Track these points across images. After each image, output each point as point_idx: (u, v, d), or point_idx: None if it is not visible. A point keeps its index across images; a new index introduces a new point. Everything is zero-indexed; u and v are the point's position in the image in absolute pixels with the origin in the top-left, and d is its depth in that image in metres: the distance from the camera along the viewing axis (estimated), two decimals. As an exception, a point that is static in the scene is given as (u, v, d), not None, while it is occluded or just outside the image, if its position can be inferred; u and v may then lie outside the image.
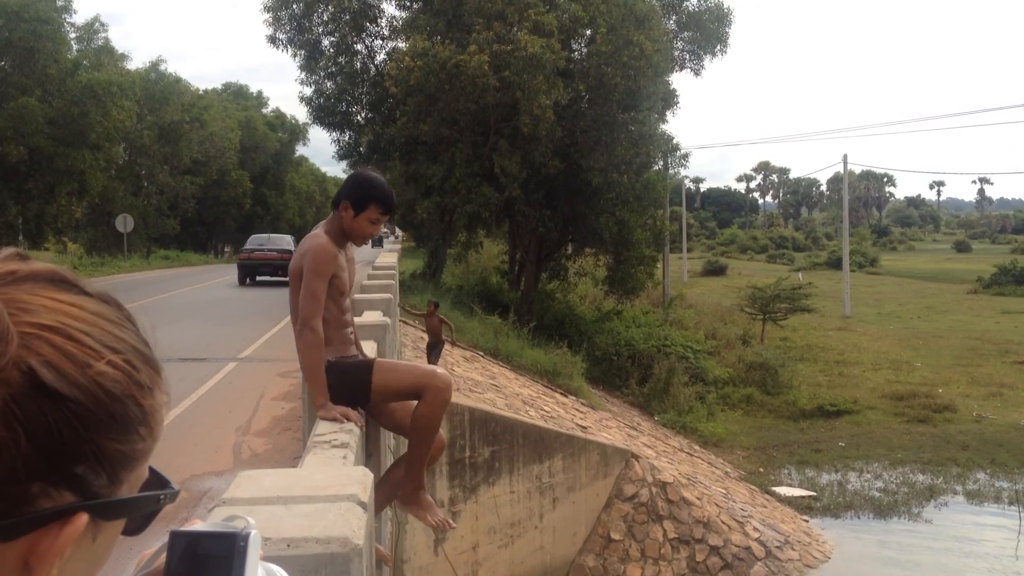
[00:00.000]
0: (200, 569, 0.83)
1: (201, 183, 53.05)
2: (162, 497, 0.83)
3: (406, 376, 4.45)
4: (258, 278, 26.97)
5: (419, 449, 4.47)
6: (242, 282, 26.90)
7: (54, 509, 0.70)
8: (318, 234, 4.40)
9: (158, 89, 47.24)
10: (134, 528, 0.84)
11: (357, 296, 10.08)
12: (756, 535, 13.00)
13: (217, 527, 0.85)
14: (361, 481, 2.14)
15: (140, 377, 0.77)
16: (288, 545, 1.76)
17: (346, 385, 4.35)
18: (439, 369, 4.52)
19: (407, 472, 4.51)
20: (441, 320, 12.10)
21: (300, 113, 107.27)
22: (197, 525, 0.86)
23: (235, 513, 0.88)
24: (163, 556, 0.85)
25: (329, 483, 2.13)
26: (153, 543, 0.92)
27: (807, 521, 15.13)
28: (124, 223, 37.28)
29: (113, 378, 0.73)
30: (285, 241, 28.44)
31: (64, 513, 0.71)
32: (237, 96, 69.07)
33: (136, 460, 0.77)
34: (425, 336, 12.90)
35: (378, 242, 56.17)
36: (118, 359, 0.75)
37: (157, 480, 0.83)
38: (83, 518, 0.72)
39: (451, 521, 5.04)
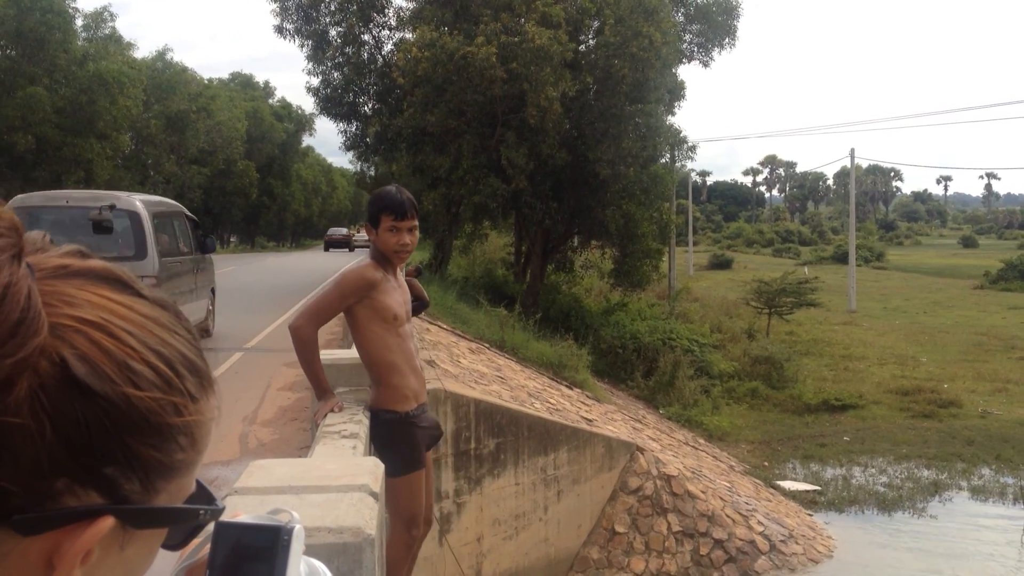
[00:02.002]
0: (244, 561, 0.83)
1: (207, 173, 53.11)
2: (202, 512, 0.81)
3: (410, 504, 4.44)
4: (331, 249, 51.95)
5: None
6: (326, 249, 52.65)
7: (79, 509, 0.68)
8: (363, 259, 4.42)
9: (165, 78, 47.27)
10: (175, 543, 0.83)
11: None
12: (760, 529, 13.00)
13: (262, 520, 0.85)
14: (372, 471, 2.15)
15: (184, 385, 0.74)
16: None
17: (386, 449, 4.34)
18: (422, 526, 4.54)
19: None
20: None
21: (307, 103, 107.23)
22: (241, 517, 0.86)
23: (279, 507, 0.88)
24: (207, 547, 0.85)
25: (340, 473, 2.14)
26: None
27: (811, 515, 15.13)
28: (130, 212, 37.19)
29: (152, 381, 0.71)
30: (344, 231, 55.11)
31: (90, 514, 0.69)
32: (244, 86, 69.07)
33: (175, 471, 0.75)
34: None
35: None
36: (160, 363, 0.72)
37: (203, 495, 0.81)
38: (108, 521, 0.70)
39: None
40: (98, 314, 0.71)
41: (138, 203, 12.26)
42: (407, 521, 4.38)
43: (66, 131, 35.72)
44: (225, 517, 0.86)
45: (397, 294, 4.46)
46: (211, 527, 0.85)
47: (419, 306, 4.94)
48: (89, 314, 0.70)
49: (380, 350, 4.35)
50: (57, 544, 0.69)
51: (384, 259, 4.42)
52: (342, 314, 4.52)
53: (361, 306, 4.33)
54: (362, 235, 55.07)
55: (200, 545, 0.90)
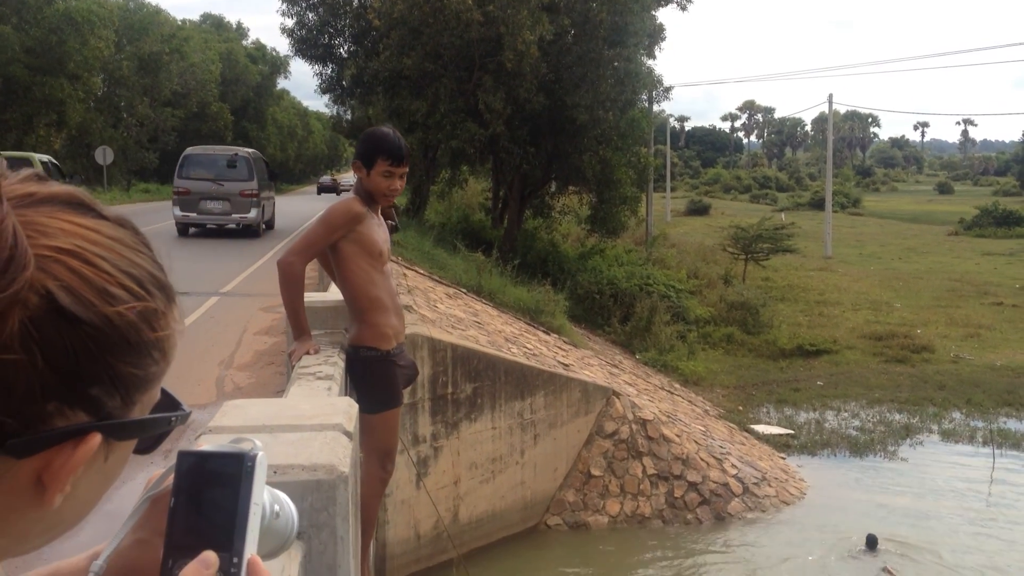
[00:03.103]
0: (207, 488, 0.84)
1: (181, 116, 52.49)
2: (173, 419, 0.85)
3: (390, 439, 4.47)
4: (322, 193, 55.52)
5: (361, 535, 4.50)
6: (319, 193, 56.67)
7: (69, 428, 0.72)
8: (347, 194, 4.40)
9: (137, 19, 46.51)
10: (145, 448, 0.87)
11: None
12: (734, 472, 13.17)
13: (224, 447, 0.86)
14: (346, 411, 2.14)
15: (155, 303, 0.78)
16: (275, 472, 1.77)
17: (365, 386, 4.35)
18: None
19: None
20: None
21: (281, 45, 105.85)
22: (204, 446, 0.87)
23: (242, 436, 0.89)
24: (171, 477, 0.86)
25: (314, 413, 2.14)
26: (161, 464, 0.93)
27: (784, 459, 15.32)
28: (104, 155, 36.81)
29: (127, 302, 0.74)
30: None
31: (79, 432, 0.73)
32: (216, 27, 68.01)
33: (149, 383, 0.79)
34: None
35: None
36: (132, 284, 0.76)
37: (169, 402, 0.86)
38: (96, 438, 0.74)
39: None
40: (72, 242, 0.73)
41: (248, 151, 25.57)
42: (382, 456, 4.42)
43: (36, 71, 35.12)
44: (189, 447, 0.87)
45: (381, 231, 4.47)
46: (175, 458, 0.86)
47: (391, 227, 4.93)
48: (64, 243, 0.73)
49: (365, 284, 4.35)
50: (47, 463, 0.73)
51: (369, 198, 4.40)
52: (315, 260, 4.52)
53: (347, 240, 4.32)
54: (346, 179, 56.52)
55: (164, 475, 0.91)
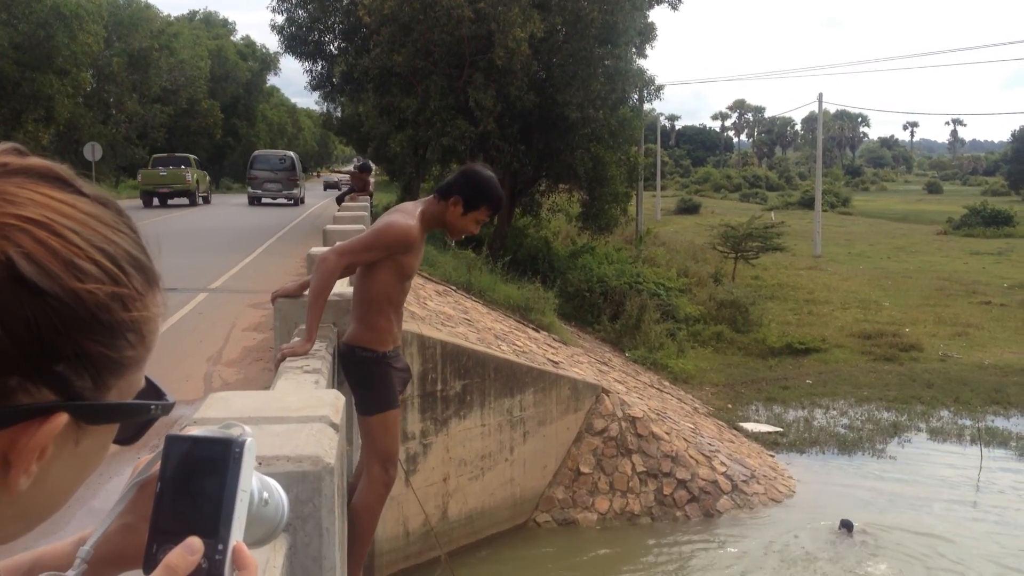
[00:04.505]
0: (195, 473, 0.82)
1: (171, 112, 52.29)
2: (153, 407, 0.82)
3: (389, 443, 4.44)
4: (328, 189, 53.16)
5: (360, 541, 4.49)
6: (325, 190, 54.41)
7: (33, 406, 0.70)
8: (410, 213, 4.33)
9: (126, 15, 46.30)
10: (127, 438, 0.85)
11: (330, 227, 10.03)
12: (723, 469, 13.19)
13: (213, 432, 0.85)
14: (333, 403, 2.14)
15: (130, 282, 0.75)
16: (260, 464, 1.75)
17: (362, 388, 4.32)
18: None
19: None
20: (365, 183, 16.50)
21: (271, 42, 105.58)
22: (193, 431, 0.86)
23: (231, 422, 0.88)
24: (159, 464, 0.84)
25: (301, 405, 2.13)
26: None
27: (773, 456, 15.35)
28: (92, 151, 36.65)
29: (98, 279, 0.72)
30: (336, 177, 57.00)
31: (44, 411, 0.70)
32: (206, 23, 67.75)
33: (125, 367, 0.76)
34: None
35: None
36: (105, 261, 0.73)
37: (153, 391, 0.83)
38: (62, 417, 0.71)
39: None
40: (41, 212, 0.71)
41: (291, 153, 39.17)
42: (384, 460, 4.40)
43: (24, 67, 34.95)
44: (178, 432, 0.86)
45: (421, 251, 4.47)
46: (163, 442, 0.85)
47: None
48: (32, 213, 0.71)
49: (381, 298, 4.34)
50: (12, 441, 0.70)
51: (434, 224, 4.39)
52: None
53: (388, 260, 4.29)
54: (335, 177, 58.29)
55: (152, 461, 0.90)
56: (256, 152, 39.87)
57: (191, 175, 34.50)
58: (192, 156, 37.32)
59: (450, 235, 4.51)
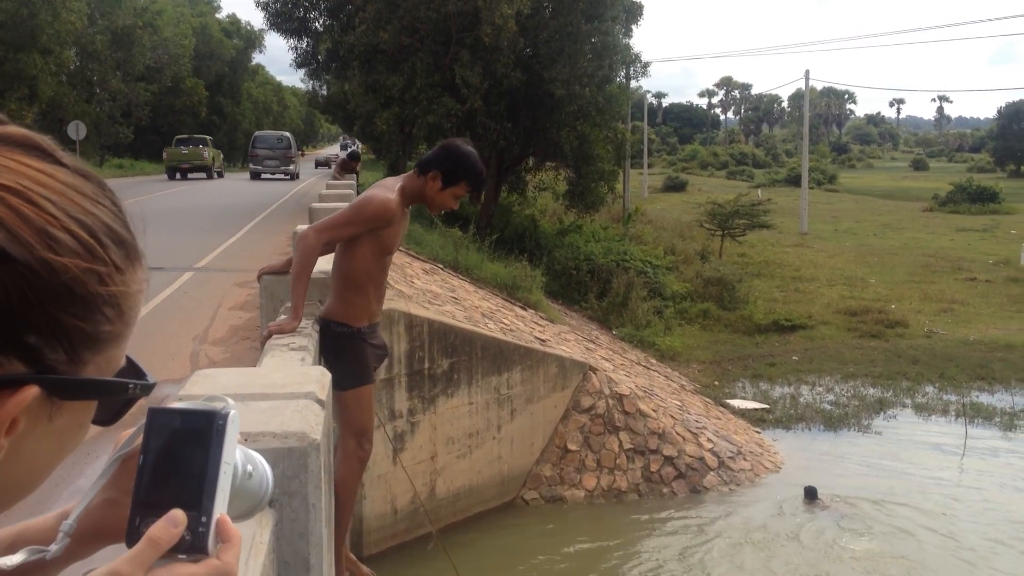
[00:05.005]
0: (178, 445, 0.82)
1: (155, 90, 51.87)
2: (132, 386, 0.81)
3: (363, 418, 4.43)
4: (319, 167, 56.54)
5: (340, 515, 4.50)
6: (316, 167, 56.97)
7: (1, 377, 0.68)
8: (390, 188, 4.31)
9: (109, -8, 45.85)
10: (106, 418, 0.83)
11: (316, 205, 9.99)
12: (709, 446, 13.26)
13: (196, 405, 0.84)
14: (319, 380, 2.13)
15: (108, 254, 0.73)
16: (246, 440, 1.74)
17: (336, 362, 4.31)
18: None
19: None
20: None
21: (256, 19, 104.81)
22: (176, 404, 0.85)
23: (214, 395, 0.87)
24: (142, 436, 0.84)
25: (287, 382, 2.12)
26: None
27: (759, 433, 15.43)
28: (76, 130, 36.42)
29: (73, 249, 0.70)
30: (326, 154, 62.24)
31: (12, 382, 0.69)
32: (189, 1, 67.13)
33: (102, 342, 0.74)
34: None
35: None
36: (82, 232, 0.71)
37: (133, 370, 0.82)
38: (32, 390, 0.70)
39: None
40: (15, 180, 0.69)
41: (287, 134, 43.08)
42: (358, 434, 4.40)
43: (7, 45, 34.65)
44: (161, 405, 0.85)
45: (401, 227, 4.44)
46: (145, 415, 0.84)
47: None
48: (7, 180, 0.69)
49: (360, 274, 4.33)
50: None
51: (414, 199, 4.38)
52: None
53: (368, 235, 4.28)
54: (325, 153, 59.26)
55: (134, 435, 0.89)
56: (257, 133, 44.05)
57: (208, 153, 40.88)
58: (208, 137, 43.78)
59: (429, 209, 4.50)
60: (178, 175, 39.08)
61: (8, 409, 0.69)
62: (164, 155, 40.94)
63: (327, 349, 4.31)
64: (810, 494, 12.34)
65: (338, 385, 4.29)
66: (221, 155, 45.46)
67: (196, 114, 58.52)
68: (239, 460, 0.87)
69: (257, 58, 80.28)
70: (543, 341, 13.80)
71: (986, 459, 14.57)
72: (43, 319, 0.69)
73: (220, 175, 42.48)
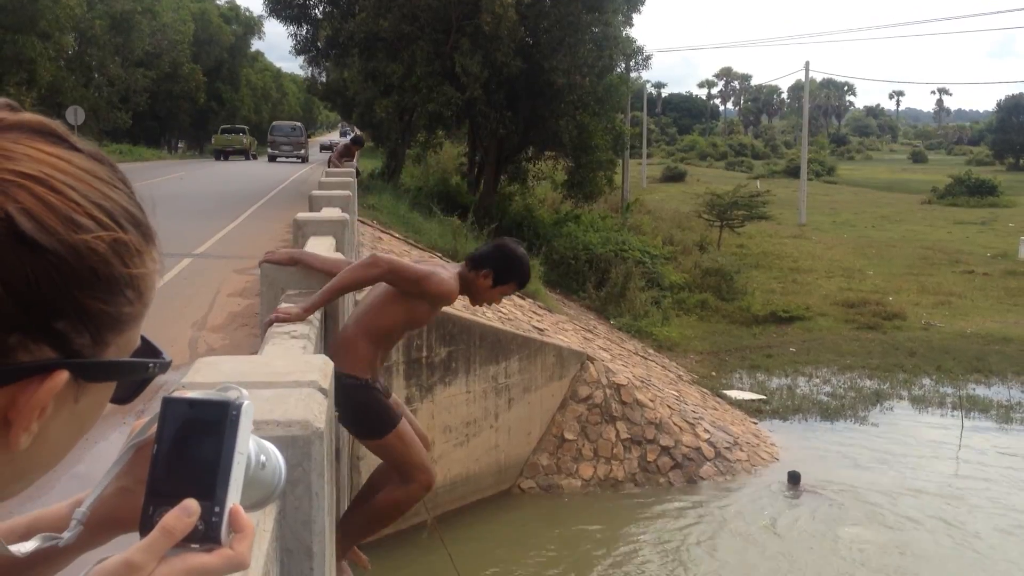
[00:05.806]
0: (192, 435, 0.82)
1: (153, 76, 51.69)
2: (151, 365, 0.82)
3: (412, 455, 4.41)
4: (322, 151, 57.28)
5: (372, 526, 4.51)
6: (320, 151, 57.75)
7: (33, 363, 0.69)
8: (452, 276, 4.37)
9: (108, -24, 45.72)
10: (124, 396, 0.85)
11: (316, 193, 9.98)
12: (706, 436, 13.29)
13: (210, 395, 0.84)
14: (322, 368, 2.14)
15: (128, 238, 0.75)
16: (253, 428, 1.76)
17: (359, 416, 4.30)
18: (434, 468, 4.56)
19: (344, 529, 4.45)
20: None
21: (255, 5, 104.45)
22: (189, 394, 0.85)
23: (228, 384, 0.87)
24: (155, 426, 0.84)
25: (290, 370, 2.13)
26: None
27: (756, 423, 15.47)
28: (75, 115, 36.29)
29: (96, 234, 0.71)
30: (329, 140, 65.71)
31: (44, 368, 0.70)
32: (190, -14, 66.87)
33: (123, 323, 0.76)
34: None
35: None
36: (103, 216, 0.73)
37: (149, 349, 0.83)
38: (63, 375, 0.71)
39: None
40: (39, 168, 0.70)
41: (299, 124, 51.94)
42: (418, 469, 4.39)
43: (6, 29, 34.55)
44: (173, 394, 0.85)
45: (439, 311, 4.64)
46: (159, 404, 0.85)
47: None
48: (30, 168, 0.70)
49: (384, 330, 4.39)
50: (13, 400, 0.70)
51: (462, 289, 4.48)
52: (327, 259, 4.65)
53: (416, 303, 4.32)
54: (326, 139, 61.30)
55: (148, 423, 0.89)
56: (274, 122, 52.30)
57: (246, 140, 50.50)
58: (246, 127, 55.29)
59: (472, 302, 4.62)
60: (222, 157, 47.85)
61: (40, 396, 0.70)
62: (212, 140, 52.45)
63: (344, 407, 4.23)
64: (793, 479, 12.45)
65: (373, 435, 4.30)
66: (255, 141, 52.80)
67: (194, 100, 58.39)
68: (253, 450, 0.88)
69: (256, 44, 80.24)
70: (541, 331, 13.82)
71: (981, 452, 14.60)
72: (70, 304, 0.70)
73: (255, 157, 49.68)
